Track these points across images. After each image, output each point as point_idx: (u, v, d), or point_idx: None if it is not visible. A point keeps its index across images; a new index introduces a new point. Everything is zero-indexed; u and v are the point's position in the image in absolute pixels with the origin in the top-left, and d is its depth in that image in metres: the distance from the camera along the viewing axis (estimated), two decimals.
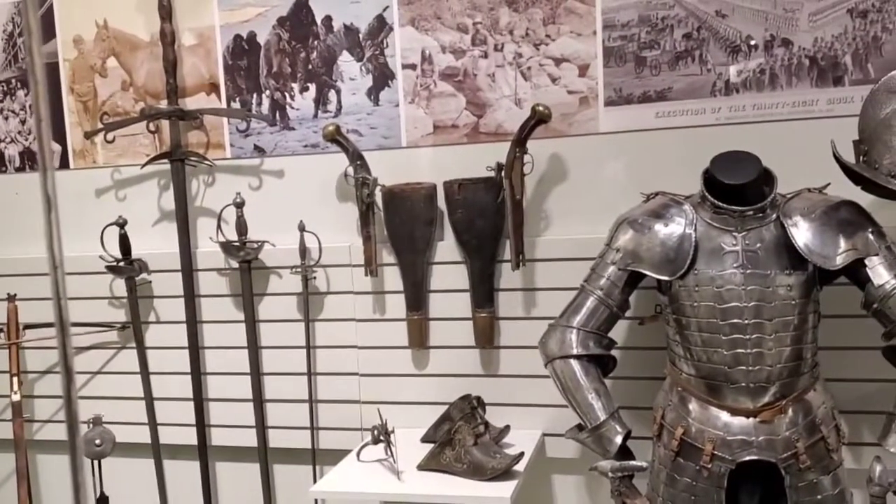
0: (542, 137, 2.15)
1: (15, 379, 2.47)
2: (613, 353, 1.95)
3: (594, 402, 1.85)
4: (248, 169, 2.47)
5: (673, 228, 1.82)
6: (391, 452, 1.99)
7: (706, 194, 1.79)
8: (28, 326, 2.58)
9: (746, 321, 1.72)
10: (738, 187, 1.78)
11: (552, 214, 2.23)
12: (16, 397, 2.45)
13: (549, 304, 2.17)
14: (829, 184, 1.82)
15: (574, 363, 1.88)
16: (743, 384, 1.73)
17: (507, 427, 2.12)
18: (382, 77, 2.32)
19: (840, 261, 1.72)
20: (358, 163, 2.25)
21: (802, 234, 1.73)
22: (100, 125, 2.54)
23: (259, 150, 2.45)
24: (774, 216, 1.76)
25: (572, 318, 1.91)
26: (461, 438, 1.95)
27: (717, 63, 2.07)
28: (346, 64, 2.35)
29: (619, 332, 2.00)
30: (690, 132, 2.11)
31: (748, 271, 1.73)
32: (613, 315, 1.91)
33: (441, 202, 2.26)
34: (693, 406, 1.80)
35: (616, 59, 2.13)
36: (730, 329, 1.73)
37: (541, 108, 2.04)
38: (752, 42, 2.04)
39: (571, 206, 2.21)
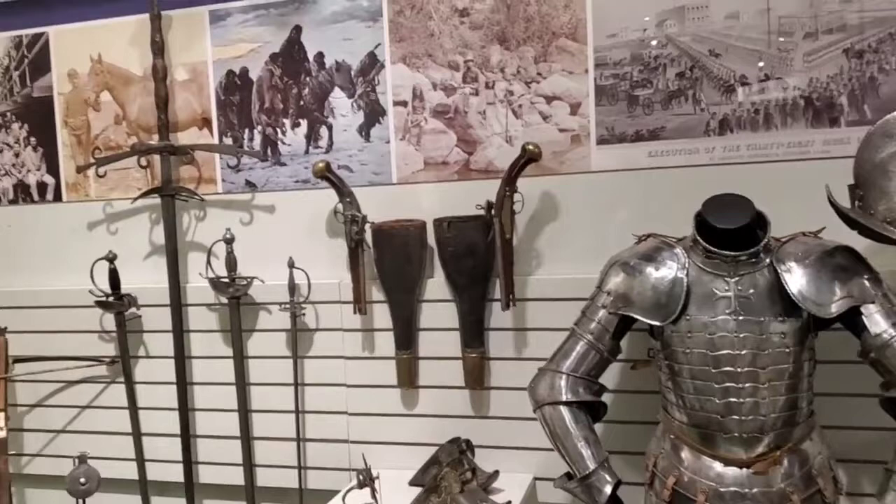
0: (533, 175, 2.12)
1: (2, 414, 2.44)
2: (605, 396, 1.91)
3: (583, 450, 1.80)
4: (239, 204, 2.45)
5: (664, 272, 1.78)
6: (376, 499, 1.95)
7: (698, 238, 1.75)
8: (17, 360, 2.56)
9: (739, 369, 1.67)
10: (730, 231, 1.74)
11: (543, 253, 2.19)
12: (2, 434, 2.42)
13: (540, 344, 2.13)
14: (824, 227, 1.78)
15: (563, 410, 1.83)
16: (736, 434, 1.68)
17: (496, 472, 2.07)
18: (374, 113, 2.31)
19: (835, 309, 1.66)
20: (348, 200, 2.23)
21: (796, 280, 1.68)
22: (92, 159, 2.53)
23: (250, 185, 2.44)
24: (768, 261, 1.71)
25: (562, 363, 1.87)
26: (447, 485, 1.91)
27: (710, 102, 2.04)
28: (338, 100, 2.34)
29: (611, 374, 1.96)
30: (684, 172, 2.07)
31: (741, 318, 1.69)
32: (604, 360, 1.87)
33: (431, 239, 2.23)
34: (686, 454, 1.75)
35: (608, 98, 2.11)
36: (722, 377, 1.68)
37: (531, 147, 2.01)
38: (747, 81, 2.01)
39: (562, 245, 2.18)
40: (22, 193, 2.69)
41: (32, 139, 2.66)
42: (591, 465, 1.78)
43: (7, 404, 2.49)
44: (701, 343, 1.71)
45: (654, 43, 2.06)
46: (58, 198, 2.64)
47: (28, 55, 2.64)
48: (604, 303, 1.84)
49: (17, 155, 2.68)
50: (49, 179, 2.64)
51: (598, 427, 1.87)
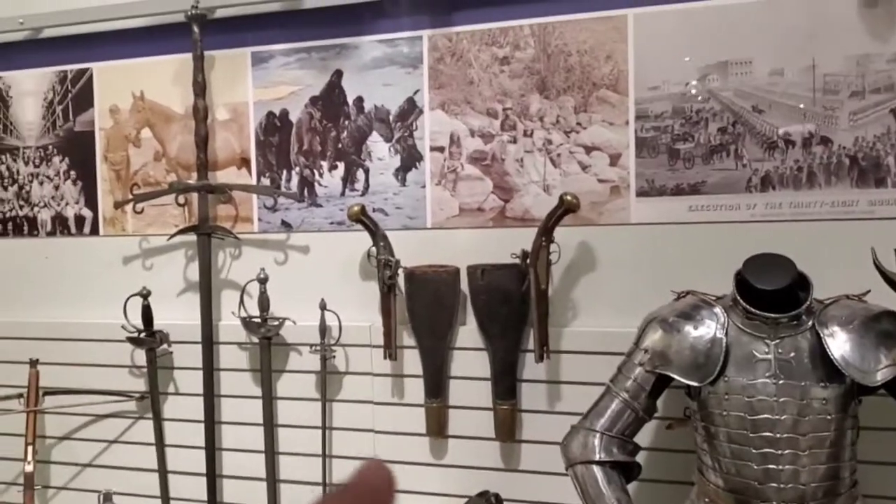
0: (570, 225, 2.10)
1: (30, 448, 2.45)
2: (638, 454, 1.86)
3: None
4: (275, 244, 2.46)
5: (703, 331, 1.74)
6: None
7: (738, 298, 1.72)
8: (47, 392, 2.58)
9: (779, 435, 1.63)
10: (771, 292, 1.71)
11: (579, 305, 2.17)
12: (29, 468, 2.42)
13: (574, 398, 2.09)
14: (869, 291, 1.73)
15: (596, 469, 1.80)
16: (774, 502, 1.63)
17: None
18: (410, 158, 2.31)
19: (880, 377, 1.61)
20: (382, 243, 2.22)
21: (840, 345, 1.63)
22: (130, 195, 2.56)
23: (286, 226, 2.44)
24: (810, 324, 1.67)
25: (596, 422, 1.83)
26: None
27: (752, 158, 2.01)
28: (376, 144, 2.34)
29: (645, 431, 1.91)
30: (724, 227, 2.04)
31: (781, 382, 1.64)
32: (639, 419, 1.83)
33: (464, 286, 2.22)
34: None
35: (649, 150, 2.09)
36: (761, 442, 1.64)
37: (569, 198, 1.99)
38: (790, 139, 1.99)
39: (599, 297, 2.15)
40: (60, 226, 2.72)
41: (73, 173, 2.70)
42: None
43: (35, 437, 2.50)
44: (739, 406, 1.67)
45: (696, 97, 2.05)
46: (95, 231, 2.67)
47: (72, 90, 2.68)
48: (641, 360, 1.81)
49: (56, 188, 2.72)
50: (87, 213, 2.67)
51: (631, 487, 1.83)
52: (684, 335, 1.76)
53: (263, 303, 2.37)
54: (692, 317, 1.78)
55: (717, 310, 1.76)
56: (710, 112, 2.04)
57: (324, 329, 2.31)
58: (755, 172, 2.01)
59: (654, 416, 1.86)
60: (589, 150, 2.14)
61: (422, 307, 2.21)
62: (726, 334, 1.71)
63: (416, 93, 2.29)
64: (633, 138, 2.10)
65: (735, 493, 1.68)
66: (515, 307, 2.13)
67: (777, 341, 1.67)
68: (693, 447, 1.82)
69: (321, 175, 2.41)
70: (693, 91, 2.05)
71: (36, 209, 2.75)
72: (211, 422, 2.44)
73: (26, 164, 2.75)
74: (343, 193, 2.39)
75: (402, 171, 2.32)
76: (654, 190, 2.09)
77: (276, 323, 2.36)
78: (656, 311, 1.85)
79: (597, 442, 1.81)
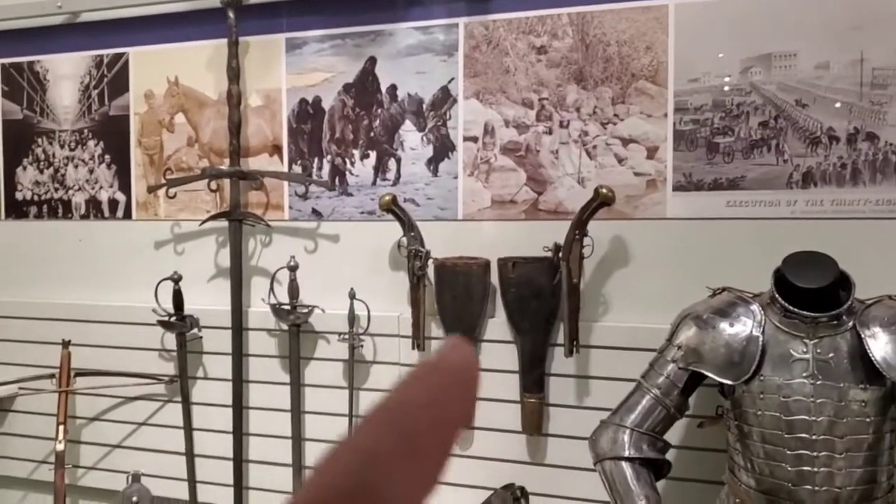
0: (604, 219, 2.07)
1: (61, 427, 2.47)
2: (668, 452, 1.83)
3: None
4: (305, 232, 2.46)
5: (739, 329, 1.71)
6: None
7: (776, 296, 1.68)
8: (79, 373, 2.60)
9: (815, 437, 1.59)
10: (811, 291, 1.66)
11: (611, 300, 2.13)
12: (60, 447, 2.45)
13: (603, 393, 2.07)
14: None
15: (625, 466, 1.77)
16: None
17: None
18: (443, 148, 2.29)
19: None
20: (412, 234, 2.21)
21: (881, 346, 1.59)
22: (163, 180, 2.57)
23: (317, 214, 2.44)
24: (851, 324, 1.63)
25: (626, 417, 1.80)
26: None
27: (794, 154, 1.96)
28: (408, 133, 2.32)
29: (675, 429, 1.88)
30: (763, 224, 1.99)
31: (819, 382, 1.60)
32: (670, 416, 1.80)
33: (494, 279, 2.19)
34: None
35: (687, 144, 2.05)
36: (796, 443, 1.60)
37: (604, 191, 1.96)
38: (834, 134, 1.93)
39: (632, 293, 2.11)
40: (93, 209, 2.74)
41: (107, 157, 2.71)
42: None
43: (66, 417, 2.52)
44: (774, 406, 1.63)
45: (737, 90, 2.00)
46: (128, 215, 2.69)
47: (107, 74, 2.70)
48: (673, 357, 1.78)
49: (91, 171, 2.74)
50: (120, 197, 2.69)
51: (660, 485, 1.80)
52: (719, 332, 1.72)
53: (293, 290, 2.37)
54: (728, 314, 1.74)
55: (754, 307, 1.72)
56: (751, 106, 1.99)
57: (352, 318, 2.30)
58: (797, 168, 1.96)
59: (685, 414, 1.82)
60: (626, 142, 2.10)
61: (451, 299, 2.19)
62: (763, 332, 1.67)
63: (450, 81, 2.26)
64: (672, 131, 2.06)
65: (767, 495, 1.64)
66: (546, 301, 2.10)
67: (816, 341, 1.63)
68: (724, 446, 1.79)
69: (352, 164, 2.39)
70: (734, 84, 2.01)
71: (70, 192, 2.77)
72: (239, 407, 2.45)
73: (62, 147, 2.78)
74: (374, 183, 2.37)
75: (435, 162, 2.30)
76: (691, 184, 2.05)
77: (306, 311, 2.36)
78: (691, 307, 1.81)
79: (626, 438, 1.79)
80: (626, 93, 2.09)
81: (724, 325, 1.72)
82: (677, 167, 2.06)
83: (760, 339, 1.67)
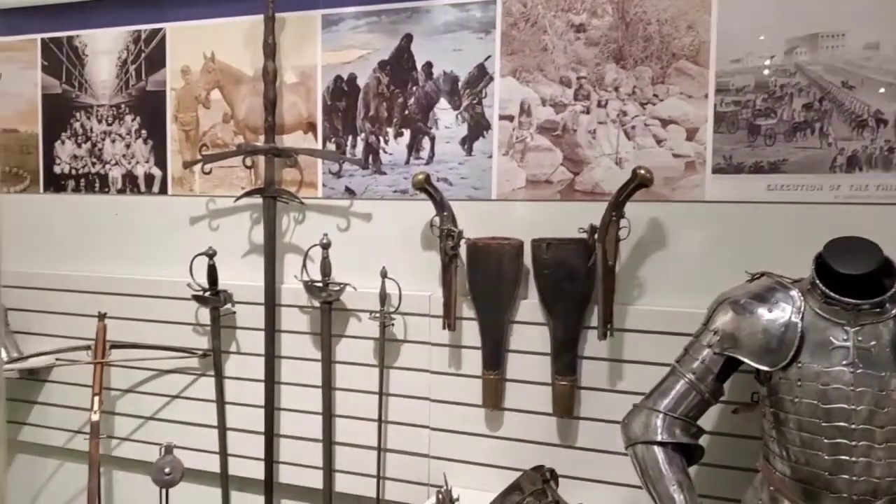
0: (641, 201, 2.04)
1: (96, 398, 2.51)
2: (702, 438, 1.81)
3: (676, 494, 1.71)
4: (338, 210, 2.46)
5: (777, 314, 1.67)
6: None
7: (817, 282, 1.64)
8: (114, 346, 2.64)
9: (854, 426, 1.55)
10: (853, 277, 1.62)
11: (646, 283, 2.11)
12: (95, 417, 2.49)
13: (636, 377, 2.05)
14: None
15: (657, 450, 1.75)
16: (845, 494, 1.56)
17: None
18: (478, 127, 2.26)
19: None
20: (445, 213, 2.20)
21: None
22: (199, 156, 2.58)
23: (350, 192, 2.43)
24: (894, 312, 1.59)
25: (659, 402, 1.79)
26: None
27: (839, 137, 1.91)
28: (443, 112, 2.30)
29: (710, 415, 1.86)
30: (804, 209, 1.95)
31: (859, 371, 1.56)
32: (705, 402, 1.78)
33: (528, 260, 2.17)
34: None
35: (728, 125, 2.00)
36: (833, 432, 1.57)
37: (642, 172, 1.93)
38: (882, 117, 1.88)
39: (668, 276, 2.08)
40: (130, 184, 2.77)
41: (143, 132, 2.73)
42: None
43: (101, 388, 2.56)
44: (812, 393, 1.60)
45: (781, 71, 1.95)
46: (163, 190, 2.71)
47: (145, 50, 2.71)
48: (709, 342, 1.75)
49: (128, 146, 2.76)
50: (157, 172, 2.71)
51: (692, 470, 1.78)
52: (757, 317, 1.69)
53: (325, 268, 2.37)
54: (766, 299, 1.71)
55: (794, 293, 1.68)
56: (795, 87, 1.94)
57: (384, 296, 2.30)
58: (841, 152, 1.91)
59: (719, 400, 1.80)
60: (665, 123, 2.06)
61: (483, 279, 2.18)
62: (802, 319, 1.64)
63: (486, 59, 2.24)
64: (713, 112, 2.02)
65: (802, 483, 1.62)
66: (580, 283, 2.08)
67: (857, 328, 1.59)
68: (759, 433, 1.76)
69: (386, 142, 2.38)
70: (778, 64, 1.95)
71: (107, 167, 2.80)
72: (271, 382, 2.47)
73: (99, 121, 2.80)
74: (408, 161, 2.36)
75: (469, 140, 2.28)
76: (731, 167, 2.01)
77: (337, 288, 2.36)
78: (728, 291, 1.78)
79: (659, 422, 1.77)
80: (667, 73, 2.05)
81: (762, 311, 1.69)
82: (717, 149, 2.02)
83: (799, 325, 1.64)
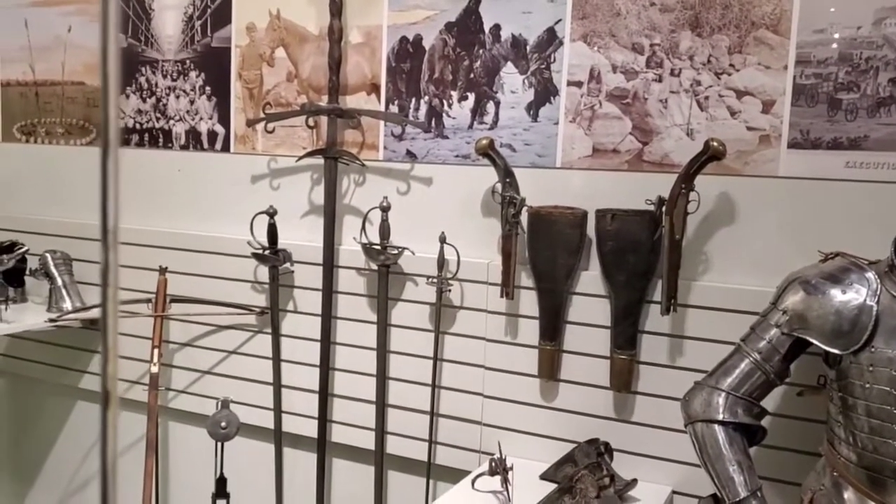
0: (712, 174, 1.98)
1: (156, 350, 2.57)
2: (765, 419, 1.78)
3: (735, 475, 1.68)
4: (398, 173, 2.44)
5: (851, 296, 1.62)
6: (507, 489, 1.91)
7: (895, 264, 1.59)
8: (174, 300, 2.69)
9: None
10: None
11: (713, 259, 2.05)
12: (154, 369, 2.55)
13: (698, 355, 2.01)
14: None
15: (718, 429, 1.72)
16: None
17: (634, 481, 1.98)
18: (545, 92, 2.22)
19: None
20: (507, 180, 2.17)
21: None
22: (262, 114, 2.59)
23: (411, 156, 2.42)
24: None
25: (722, 380, 1.75)
26: (583, 489, 1.84)
27: None
28: (509, 76, 2.26)
29: (774, 396, 1.83)
30: (885, 189, 1.87)
31: None
32: (769, 382, 1.74)
33: (591, 231, 2.14)
34: (849, 496, 1.62)
35: (807, 99, 1.93)
36: None
37: (715, 144, 1.87)
38: None
39: (736, 253, 2.03)
40: (193, 140, 2.79)
41: (207, 88, 2.75)
42: (743, 493, 1.66)
43: (161, 341, 2.62)
44: (884, 379, 1.56)
45: (868, 42, 1.86)
46: (226, 148, 2.73)
47: (211, 5, 2.72)
48: (778, 321, 1.71)
49: (192, 102, 2.78)
50: (220, 129, 2.73)
51: (752, 451, 1.75)
52: (829, 298, 1.64)
53: (384, 231, 2.37)
54: (840, 280, 1.65)
55: (870, 275, 1.63)
56: (881, 60, 1.85)
57: (442, 262, 2.29)
58: None
59: (785, 381, 1.76)
60: (740, 94, 1.99)
61: (544, 248, 2.15)
62: (877, 302, 1.59)
63: (557, 23, 2.18)
64: (791, 85, 1.94)
65: (868, 471, 1.58)
66: (644, 256, 2.04)
67: None
68: (825, 417, 1.72)
69: (450, 106, 2.35)
70: (865, 36, 1.87)
71: (171, 122, 2.83)
72: (327, 342, 2.49)
73: (164, 77, 2.83)
74: (471, 126, 2.33)
75: (535, 106, 2.24)
76: (808, 142, 1.94)
77: (396, 252, 2.36)
78: (800, 271, 1.73)
79: (721, 401, 1.74)
80: (744, 42, 1.98)
81: (834, 292, 1.64)
82: (794, 123, 1.94)
83: (875, 308, 1.59)
